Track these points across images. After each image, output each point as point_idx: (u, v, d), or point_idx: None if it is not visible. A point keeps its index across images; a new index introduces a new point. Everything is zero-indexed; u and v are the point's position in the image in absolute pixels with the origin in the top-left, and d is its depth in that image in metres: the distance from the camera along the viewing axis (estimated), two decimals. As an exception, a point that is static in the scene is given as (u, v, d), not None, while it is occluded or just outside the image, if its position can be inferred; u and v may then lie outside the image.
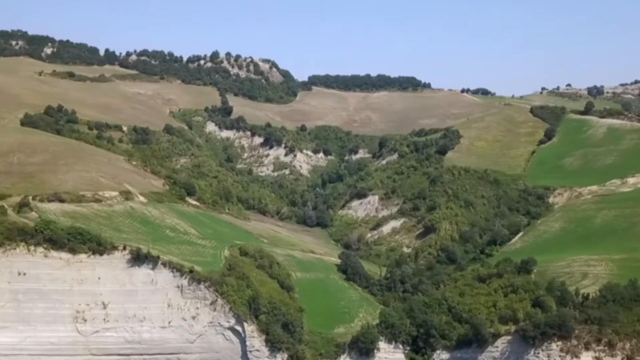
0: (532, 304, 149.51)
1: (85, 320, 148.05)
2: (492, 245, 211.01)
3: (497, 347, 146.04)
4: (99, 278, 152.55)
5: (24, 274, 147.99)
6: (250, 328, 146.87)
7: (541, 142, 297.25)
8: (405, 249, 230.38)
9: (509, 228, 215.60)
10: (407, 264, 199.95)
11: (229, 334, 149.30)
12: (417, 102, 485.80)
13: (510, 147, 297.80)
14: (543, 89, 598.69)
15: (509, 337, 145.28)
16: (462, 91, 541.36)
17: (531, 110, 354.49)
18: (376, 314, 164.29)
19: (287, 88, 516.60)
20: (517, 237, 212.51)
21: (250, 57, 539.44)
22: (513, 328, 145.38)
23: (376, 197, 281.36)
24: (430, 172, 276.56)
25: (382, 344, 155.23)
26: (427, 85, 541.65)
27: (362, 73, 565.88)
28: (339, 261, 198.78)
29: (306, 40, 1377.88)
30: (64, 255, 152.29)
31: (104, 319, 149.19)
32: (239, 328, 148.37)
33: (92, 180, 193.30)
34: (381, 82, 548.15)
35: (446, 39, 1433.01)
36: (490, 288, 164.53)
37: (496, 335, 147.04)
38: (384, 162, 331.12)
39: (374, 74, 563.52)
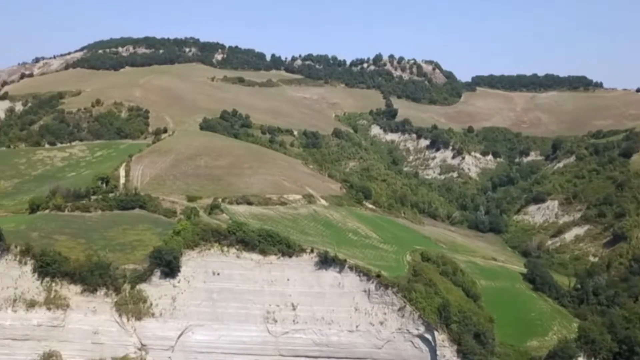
0: None
1: (276, 321, 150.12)
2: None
3: None
4: (288, 279, 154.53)
5: (218, 274, 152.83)
6: (441, 337, 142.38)
7: None
8: (591, 258, 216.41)
9: None
10: (599, 274, 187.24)
11: (418, 341, 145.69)
12: (589, 102, 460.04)
13: None
14: None
15: None
16: (638, 90, 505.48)
17: None
18: (571, 328, 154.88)
19: (450, 89, 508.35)
20: None
21: (414, 59, 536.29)
22: None
23: (555, 202, 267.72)
24: (615, 176, 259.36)
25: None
26: (598, 85, 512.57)
27: (527, 72, 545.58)
28: (523, 269, 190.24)
29: (469, 41, 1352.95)
30: (255, 256, 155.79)
31: (294, 320, 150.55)
32: (428, 336, 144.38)
33: (276, 183, 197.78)
34: (549, 82, 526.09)
35: (618, 37, 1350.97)
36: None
37: None
38: (560, 165, 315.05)
39: (540, 73, 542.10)
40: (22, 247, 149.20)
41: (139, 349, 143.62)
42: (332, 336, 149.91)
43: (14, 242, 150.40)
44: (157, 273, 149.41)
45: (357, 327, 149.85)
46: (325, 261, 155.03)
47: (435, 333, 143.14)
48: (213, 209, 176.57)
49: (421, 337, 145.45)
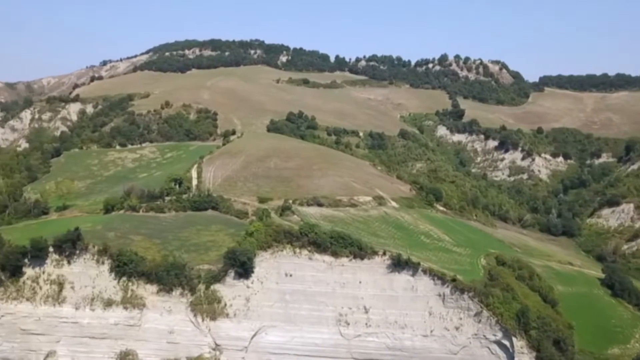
0: None
1: (348, 324, 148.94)
2: None
3: None
4: (360, 282, 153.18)
5: (290, 275, 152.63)
6: (519, 343, 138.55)
7: None
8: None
9: None
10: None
11: (495, 347, 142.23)
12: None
13: None
14: None
15: None
16: None
17: None
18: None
19: (518, 89, 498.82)
20: None
21: (480, 59, 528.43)
22: None
23: (631, 205, 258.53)
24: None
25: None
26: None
27: (597, 72, 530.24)
28: (600, 274, 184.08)
29: (536, 40, 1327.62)
30: (327, 258, 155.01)
31: (366, 324, 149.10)
32: (506, 342, 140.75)
33: (345, 185, 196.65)
34: (620, 82, 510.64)
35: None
36: None
37: None
38: (634, 167, 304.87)
39: (611, 73, 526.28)
40: (99, 247, 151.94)
41: (213, 349, 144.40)
42: (405, 340, 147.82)
43: (92, 241, 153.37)
44: (231, 274, 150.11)
45: (431, 331, 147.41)
46: (398, 264, 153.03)
47: (514, 339, 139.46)
48: (284, 210, 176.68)
49: (498, 343, 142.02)
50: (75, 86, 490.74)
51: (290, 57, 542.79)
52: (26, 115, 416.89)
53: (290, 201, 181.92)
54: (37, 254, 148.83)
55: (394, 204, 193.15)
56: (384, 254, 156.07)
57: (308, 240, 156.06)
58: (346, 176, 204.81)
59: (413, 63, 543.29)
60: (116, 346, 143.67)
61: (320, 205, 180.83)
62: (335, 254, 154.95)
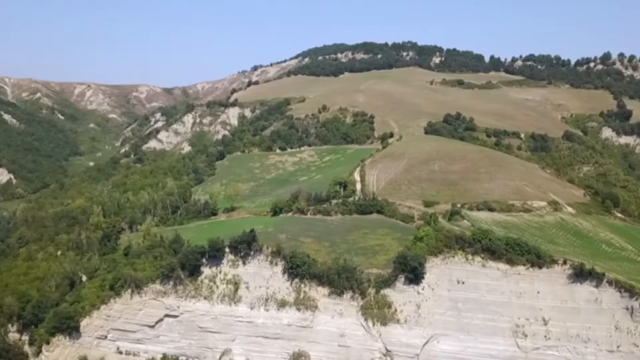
0: None
1: (526, 336, 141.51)
2: None
3: None
4: (538, 292, 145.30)
5: (463, 283, 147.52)
6: None
7: None
8: None
9: None
10: None
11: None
12: None
13: None
14: None
15: None
16: None
17: None
18: None
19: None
20: None
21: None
22: None
23: None
24: None
25: None
26: None
27: None
28: None
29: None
30: (502, 266, 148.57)
31: (545, 336, 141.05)
32: None
33: (517, 189, 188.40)
34: None
35: None
36: None
37: None
38: None
39: None
40: (273, 249, 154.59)
41: (384, 355, 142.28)
42: (588, 355, 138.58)
43: (265, 243, 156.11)
44: (402, 279, 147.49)
45: (617, 347, 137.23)
46: (580, 274, 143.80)
47: None
48: (452, 214, 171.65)
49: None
50: (233, 91, 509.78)
51: (443, 58, 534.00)
52: (188, 119, 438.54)
53: (459, 205, 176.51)
54: (215, 254, 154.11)
55: (570, 209, 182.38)
56: (564, 262, 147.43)
57: (481, 247, 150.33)
58: (517, 179, 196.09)
59: (573, 62, 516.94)
60: (289, 347, 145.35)
61: (491, 210, 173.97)
62: (510, 262, 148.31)
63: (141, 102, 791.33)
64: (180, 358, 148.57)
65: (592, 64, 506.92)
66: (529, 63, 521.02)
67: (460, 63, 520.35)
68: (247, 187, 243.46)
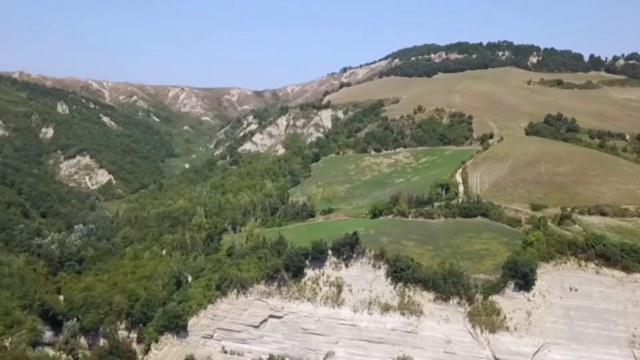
0: None
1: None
2: None
3: None
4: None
5: (575, 290, 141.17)
6: None
7: None
8: None
9: None
10: None
11: None
12: None
13: None
14: None
15: None
16: None
17: None
18: None
19: None
20: None
21: None
22: None
23: None
24: None
25: None
26: None
27: None
28: None
29: None
30: (617, 273, 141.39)
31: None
32: None
33: (629, 192, 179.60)
34: None
35: None
36: None
37: None
38: None
39: None
40: (376, 252, 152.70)
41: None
42: None
43: (368, 246, 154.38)
44: (511, 285, 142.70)
45: None
46: None
47: None
48: (563, 219, 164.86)
49: None
50: (326, 93, 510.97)
51: (540, 58, 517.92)
52: (282, 121, 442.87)
53: (569, 209, 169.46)
54: (318, 256, 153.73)
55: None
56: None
57: (595, 253, 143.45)
58: (629, 183, 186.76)
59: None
60: (393, 351, 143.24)
61: (603, 214, 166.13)
62: (626, 269, 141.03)
63: (232, 104, 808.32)
64: (284, 359, 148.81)
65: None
66: (631, 62, 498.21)
67: (558, 62, 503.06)
68: (342, 188, 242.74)
